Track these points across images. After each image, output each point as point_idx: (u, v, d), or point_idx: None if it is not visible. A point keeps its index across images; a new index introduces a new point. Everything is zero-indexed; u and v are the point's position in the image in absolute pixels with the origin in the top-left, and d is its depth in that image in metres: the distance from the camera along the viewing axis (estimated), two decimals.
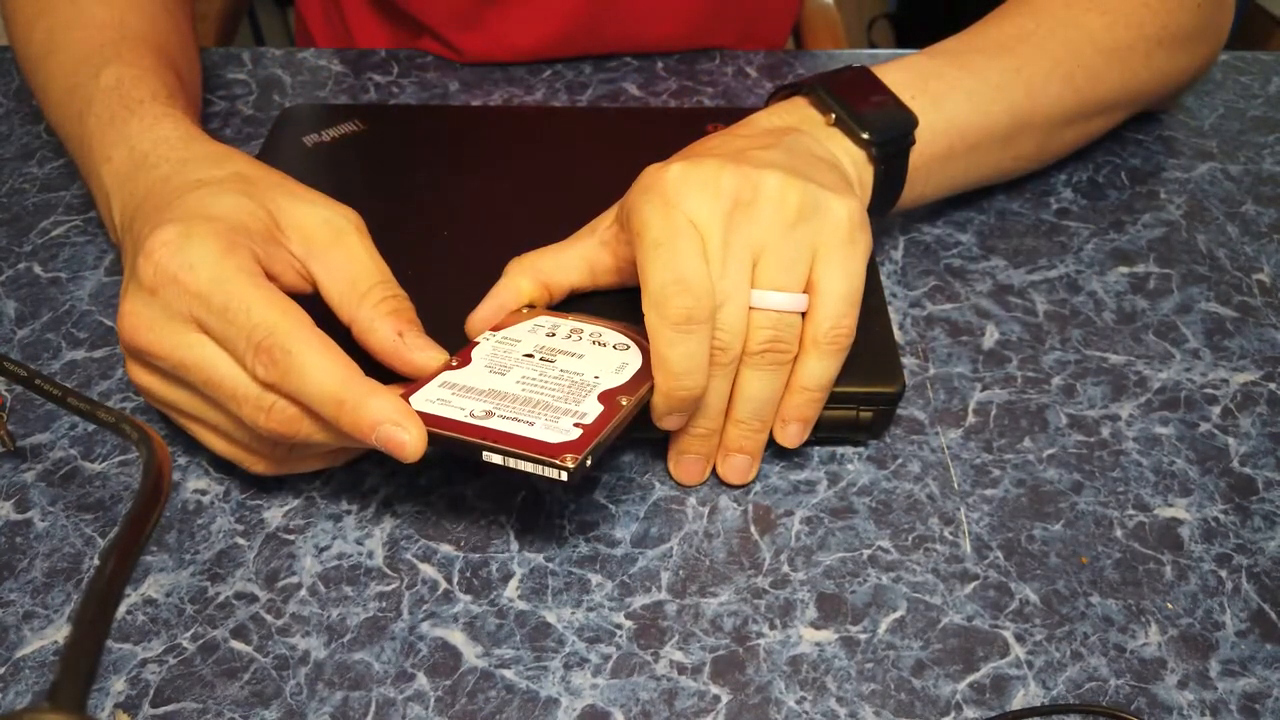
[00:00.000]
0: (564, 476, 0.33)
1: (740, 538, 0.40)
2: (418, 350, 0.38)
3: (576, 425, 0.35)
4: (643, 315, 0.37)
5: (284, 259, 0.38)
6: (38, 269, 0.52)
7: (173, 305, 0.36)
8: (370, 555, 0.40)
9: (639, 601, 0.38)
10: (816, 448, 0.44)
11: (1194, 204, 0.57)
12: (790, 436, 0.41)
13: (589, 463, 0.34)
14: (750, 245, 0.38)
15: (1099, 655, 0.37)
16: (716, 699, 0.36)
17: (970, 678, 0.36)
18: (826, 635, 0.37)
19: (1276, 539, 0.41)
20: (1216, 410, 0.46)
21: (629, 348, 0.40)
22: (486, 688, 0.36)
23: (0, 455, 0.43)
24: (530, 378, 0.38)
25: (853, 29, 2.18)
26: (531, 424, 0.35)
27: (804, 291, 0.39)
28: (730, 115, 0.51)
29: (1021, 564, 0.40)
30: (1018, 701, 0.36)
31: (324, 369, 0.34)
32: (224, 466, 0.42)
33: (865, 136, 0.44)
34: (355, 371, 0.35)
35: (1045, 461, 0.43)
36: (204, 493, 0.42)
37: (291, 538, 0.40)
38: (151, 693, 0.35)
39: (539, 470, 0.34)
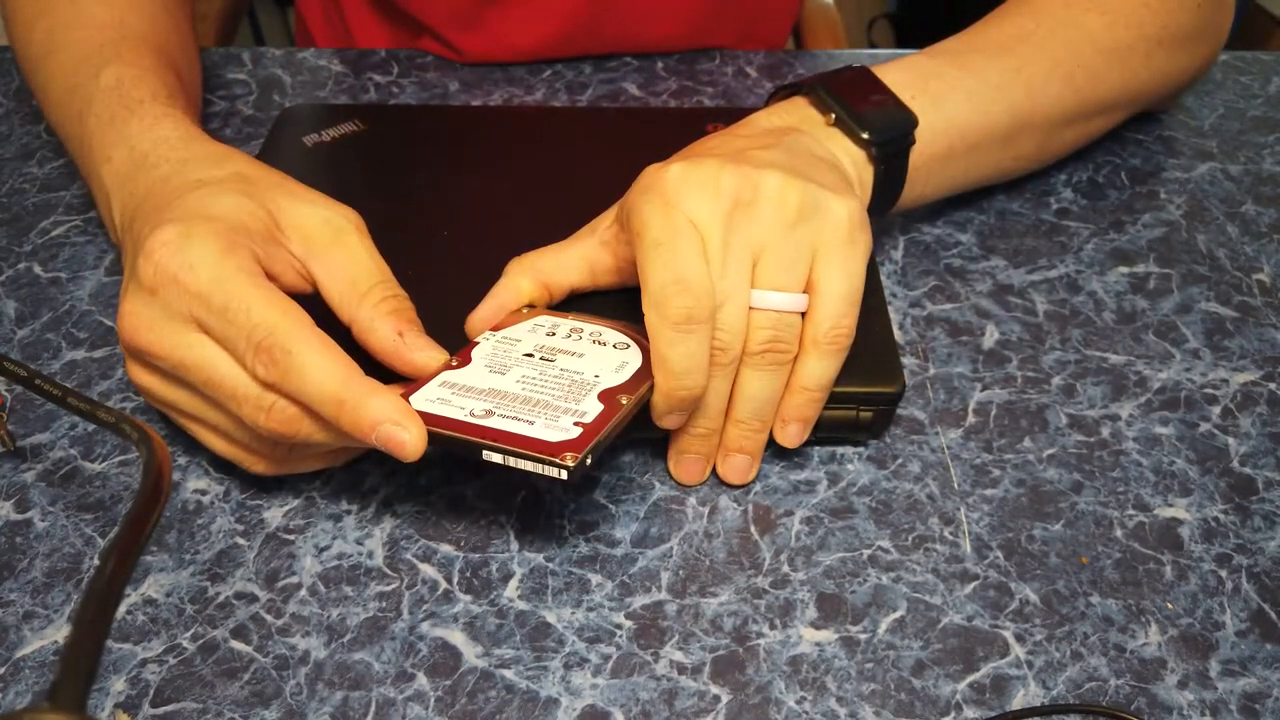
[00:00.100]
0: (564, 475, 0.33)
1: (740, 538, 0.40)
2: (418, 350, 0.38)
3: (576, 424, 0.35)
4: (643, 315, 0.37)
5: (284, 259, 0.38)
6: (38, 269, 0.52)
7: (173, 305, 0.36)
8: (370, 555, 0.40)
9: (639, 601, 0.38)
10: (816, 448, 0.44)
11: (1194, 204, 0.57)
12: (790, 436, 0.41)
13: (589, 461, 0.34)
14: (750, 245, 0.38)
15: (1099, 655, 0.37)
16: (716, 699, 0.36)
17: (970, 678, 0.36)
18: (826, 635, 0.37)
19: (1276, 539, 0.41)
20: (1216, 410, 0.46)
21: (629, 347, 0.40)
22: (486, 688, 0.36)
23: (0, 455, 0.43)
24: (530, 377, 0.38)
25: (853, 29, 2.18)
26: (531, 423, 0.35)
27: (804, 291, 0.39)
28: (730, 115, 0.51)
29: (1021, 564, 0.40)
30: (1018, 701, 0.36)
31: (324, 369, 0.34)
32: (224, 466, 0.42)
33: (865, 136, 0.44)
34: (355, 371, 0.35)
35: (1045, 461, 0.43)
36: (204, 493, 0.42)
37: (291, 538, 0.40)
38: (151, 693, 0.35)
39: (539, 469, 0.34)
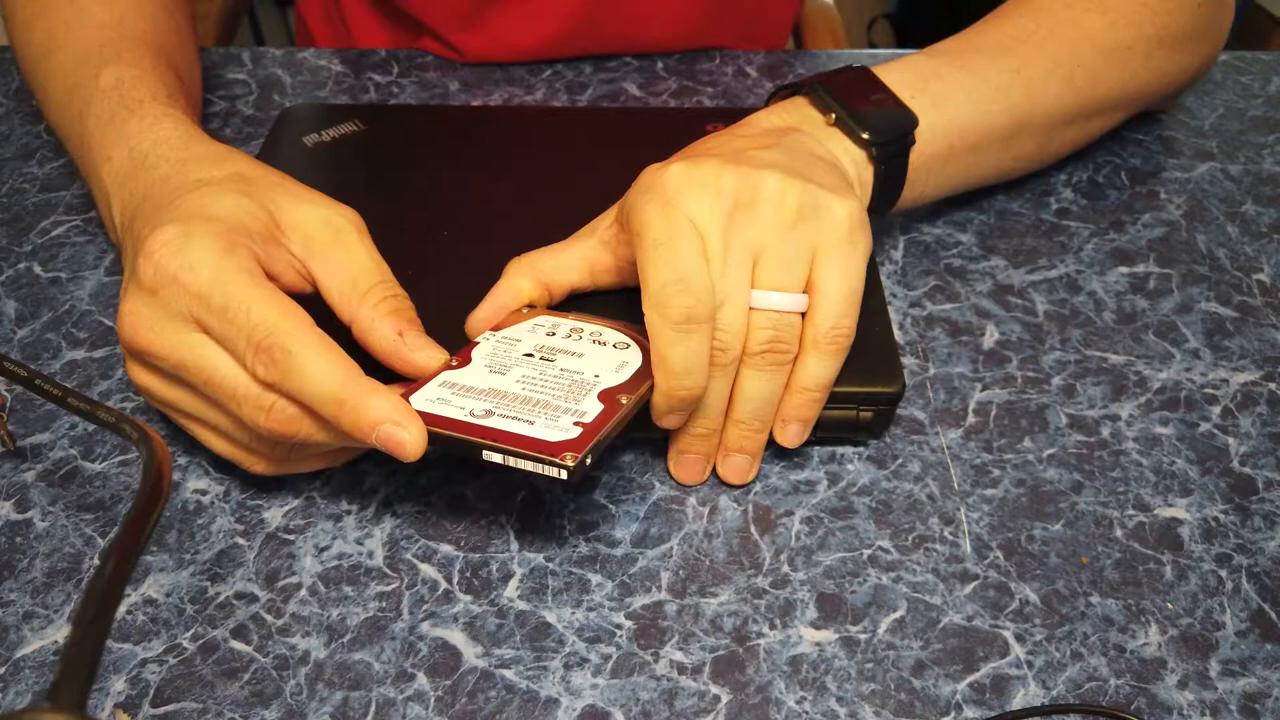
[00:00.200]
0: (564, 475, 0.33)
1: (740, 538, 0.40)
2: (418, 350, 0.38)
3: (576, 424, 0.35)
4: (643, 315, 0.37)
5: (284, 259, 0.38)
6: (38, 269, 0.52)
7: (173, 305, 0.36)
8: (370, 555, 0.40)
9: (639, 601, 0.38)
10: (816, 448, 0.44)
11: (1194, 204, 0.57)
12: (790, 437, 0.41)
13: (589, 461, 0.34)
14: (750, 245, 0.38)
15: (1099, 655, 0.37)
16: (716, 699, 0.36)
17: (970, 678, 0.36)
18: (826, 635, 0.37)
19: (1276, 539, 0.41)
20: (1216, 410, 0.46)
21: (629, 347, 0.40)
22: (486, 688, 0.36)
23: (0, 455, 0.43)
24: (530, 377, 0.38)
25: (853, 29, 2.18)
26: (531, 423, 0.35)
27: (804, 291, 0.39)
28: (730, 115, 0.51)
29: (1021, 564, 0.40)
30: (1018, 701, 0.36)
31: (324, 369, 0.34)
32: (224, 466, 0.42)
33: (865, 136, 0.44)
34: (355, 371, 0.35)
35: (1045, 461, 0.43)
36: (204, 493, 0.42)
37: (291, 538, 0.40)
38: (151, 693, 0.35)
39: (539, 469, 0.34)
